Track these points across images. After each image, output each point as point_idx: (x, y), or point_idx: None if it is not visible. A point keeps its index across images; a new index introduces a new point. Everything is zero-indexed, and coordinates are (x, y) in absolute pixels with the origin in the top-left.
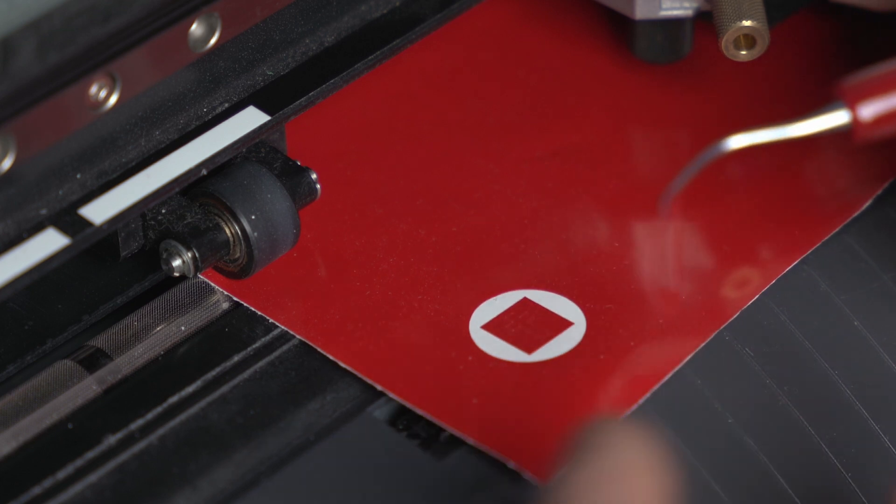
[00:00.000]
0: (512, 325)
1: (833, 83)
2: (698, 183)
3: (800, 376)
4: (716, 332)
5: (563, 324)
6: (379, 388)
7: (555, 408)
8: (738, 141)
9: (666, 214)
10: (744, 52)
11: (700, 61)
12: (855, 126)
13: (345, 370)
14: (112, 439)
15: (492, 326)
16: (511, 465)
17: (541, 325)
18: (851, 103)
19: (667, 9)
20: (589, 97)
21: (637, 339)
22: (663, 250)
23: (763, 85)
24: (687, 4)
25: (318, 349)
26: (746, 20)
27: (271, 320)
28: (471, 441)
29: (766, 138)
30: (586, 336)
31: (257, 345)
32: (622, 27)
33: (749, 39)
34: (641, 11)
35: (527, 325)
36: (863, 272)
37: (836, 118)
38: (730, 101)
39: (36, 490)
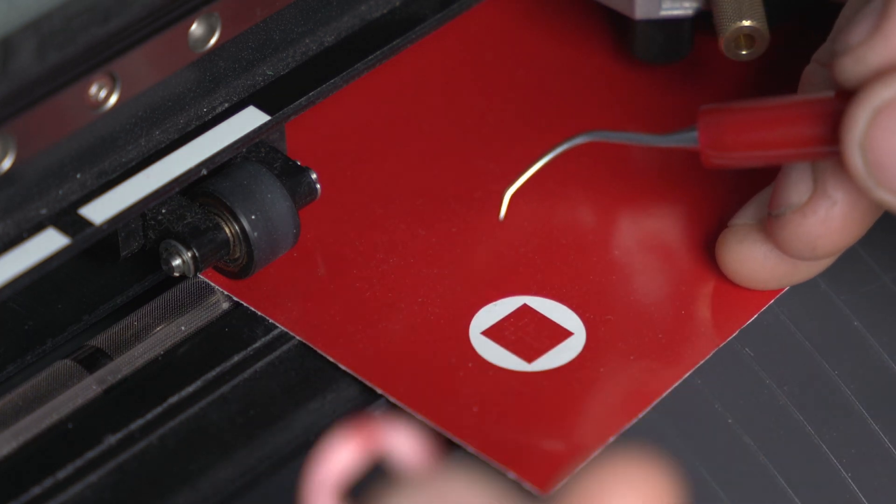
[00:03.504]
0: (512, 332)
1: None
2: (698, 190)
3: (800, 376)
4: (715, 351)
5: (563, 333)
6: (378, 391)
7: (555, 419)
8: (589, 137)
9: (503, 215)
10: (744, 52)
11: (700, 61)
12: (702, 155)
13: (345, 370)
14: (112, 439)
15: (492, 333)
16: (511, 475)
17: (541, 334)
18: (702, 137)
19: (667, 9)
20: (589, 97)
21: (637, 354)
22: (664, 260)
23: (763, 85)
24: (687, 4)
25: (318, 350)
26: (746, 20)
27: (271, 320)
28: (471, 450)
29: (620, 140)
30: (586, 347)
31: (257, 345)
32: (622, 27)
33: (749, 39)
34: (641, 11)
35: (527, 333)
36: (863, 272)
37: (688, 141)
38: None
39: (36, 490)
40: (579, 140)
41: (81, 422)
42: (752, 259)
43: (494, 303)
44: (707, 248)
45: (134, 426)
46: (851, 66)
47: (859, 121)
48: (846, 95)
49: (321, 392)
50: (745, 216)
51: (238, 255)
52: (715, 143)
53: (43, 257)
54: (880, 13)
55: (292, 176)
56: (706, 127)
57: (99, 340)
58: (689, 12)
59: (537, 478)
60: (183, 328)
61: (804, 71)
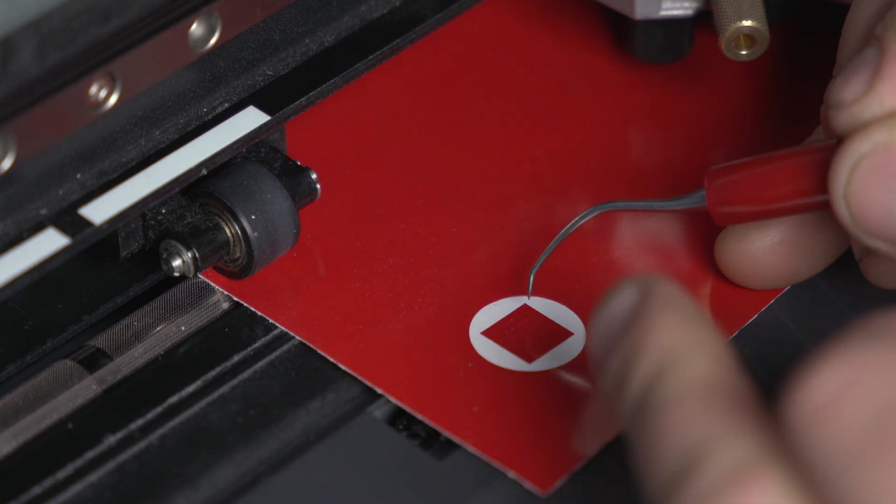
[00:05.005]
0: (512, 332)
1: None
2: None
3: None
4: None
5: (562, 333)
6: (379, 391)
7: (555, 419)
8: (602, 209)
9: (530, 292)
10: (744, 52)
11: (700, 61)
12: (712, 214)
13: (345, 370)
14: (112, 439)
15: (492, 333)
16: (511, 475)
17: (541, 334)
18: (710, 198)
19: (667, 9)
20: (589, 97)
21: None
22: (664, 260)
23: (763, 85)
24: (687, 4)
25: (318, 350)
26: (746, 20)
27: (271, 320)
28: (471, 449)
29: (633, 208)
30: (586, 347)
31: (257, 345)
32: (622, 27)
33: (749, 39)
34: (641, 11)
35: (527, 333)
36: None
37: (697, 202)
38: (730, 101)
39: (36, 490)
40: (595, 212)
41: (81, 422)
42: (751, 258)
43: (494, 303)
44: (707, 248)
45: (134, 426)
46: (846, 123)
47: (841, 174)
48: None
49: (321, 392)
50: None
51: (238, 255)
52: (723, 202)
53: (43, 257)
54: (874, 71)
55: (292, 176)
56: (714, 188)
57: (99, 340)
58: (689, 12)
59: (537, 477)
60: (183, 328)
61: (821, 111)
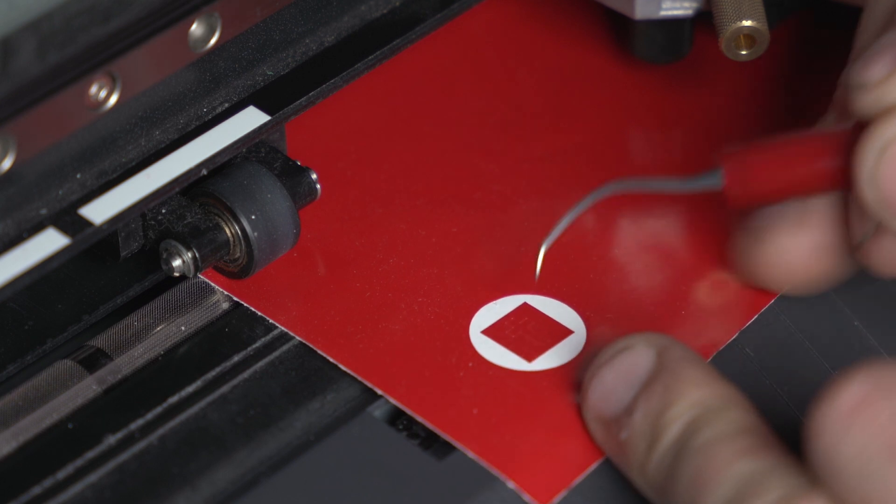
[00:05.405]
0: (512, 331)
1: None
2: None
3: (800, 376)
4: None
5: (563, 332)
6: (378, 391)
7: (555, 423)
8: (614, 188)
9: (538, 273)
10: (744, 52)
11: (700, 61)
12: (728, 197)
13: (345, 370)
14: (112, 439)
15: (492, 331)
16: (511, 485)
17: (541, 333)
18: (728, 178)
19: (667, 9)
20: (589, 97)
21: None
22: (664, 259)
23: (763, 85)
24: (687, 4)
25: (318, 350)
26: (746, 20)
27: (271, 320)
28: (471, 455)
29: (646, 188)
30: (587, 346)
31: (257, 345)
32: (622, 27)
33: (749, 39)
34: (641, 11)
35: (527, 332)
36: (863, 272)
37: (712, 185)
38: (729, 101)
39: (36, 490)
40: (606, 192)
41: (81, 422)
42: (783, 260)
43: (494, 302)
44: (707, 247)
45: (134, 426)
46: (871, 104)
47: (869, 157)
48: (864, 127)
49: (321, 392)
50: (762, 217)
51: (238, 255)
52: (741, 183)
53: (43, 257)
54: None
55: (292, 176)
56: (732, 169)
57: (99, 340)
58: (689, 12)
59: (537, 489)
60: (183, 328)
61: (835, 96)
